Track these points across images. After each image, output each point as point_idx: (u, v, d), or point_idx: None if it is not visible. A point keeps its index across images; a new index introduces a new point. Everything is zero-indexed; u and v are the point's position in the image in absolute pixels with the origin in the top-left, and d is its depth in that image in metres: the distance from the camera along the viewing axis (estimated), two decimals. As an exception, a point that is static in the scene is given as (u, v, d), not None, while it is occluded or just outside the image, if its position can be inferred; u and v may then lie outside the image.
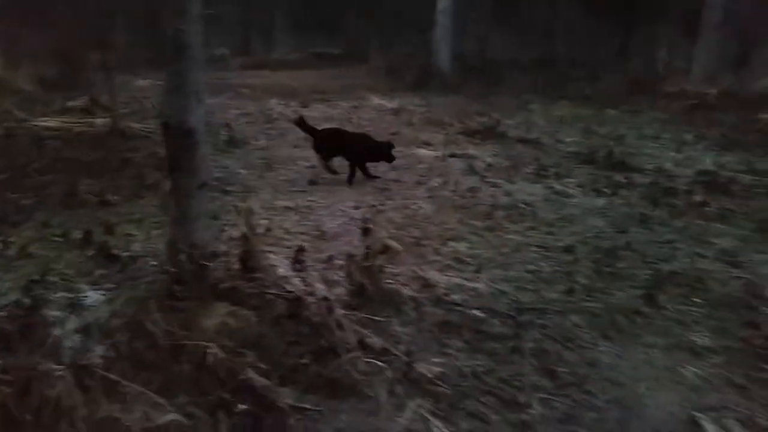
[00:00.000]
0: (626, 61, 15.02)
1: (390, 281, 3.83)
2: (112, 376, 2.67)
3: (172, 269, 2.98)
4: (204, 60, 3.07)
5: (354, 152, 6.41)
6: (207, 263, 3.15)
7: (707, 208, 5.57)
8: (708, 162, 7.30)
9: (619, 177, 6.54)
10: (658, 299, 3.77)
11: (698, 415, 2.74)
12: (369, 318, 3.41)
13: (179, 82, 2.98)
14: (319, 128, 6.78)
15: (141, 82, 12.30)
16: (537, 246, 4.66)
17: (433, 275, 4.07)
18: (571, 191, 6.10)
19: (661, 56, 13.67)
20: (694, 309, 3.70)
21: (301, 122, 6.65)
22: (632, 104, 10.96)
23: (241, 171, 6.59)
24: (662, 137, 8.73)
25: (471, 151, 7.75)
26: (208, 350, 2.77)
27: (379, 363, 2.97)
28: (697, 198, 5.84)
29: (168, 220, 3.17)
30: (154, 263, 3.96)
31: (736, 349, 3.28)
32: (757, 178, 6.68)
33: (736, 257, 4.49)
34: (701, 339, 3.36)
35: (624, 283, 4.04)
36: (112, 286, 3.75)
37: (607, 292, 3.90)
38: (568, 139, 8.48)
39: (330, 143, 6.48)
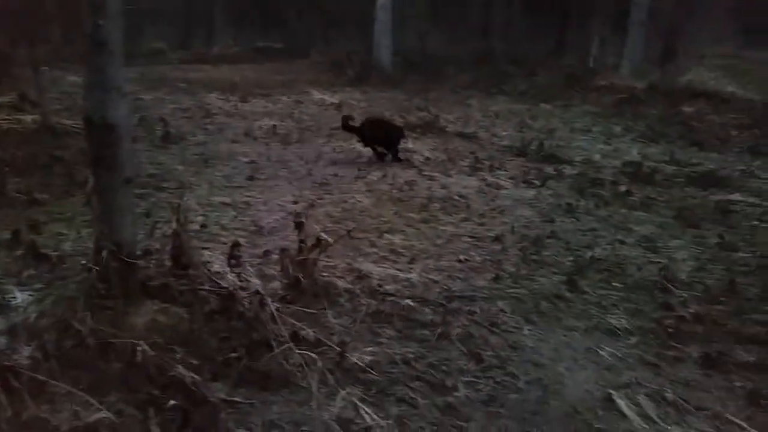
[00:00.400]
0: (560, 57, 15.51)
1: (325, 274, 3.90)
2: (40, 377, 2.65)
3: (96, 267, 2.95)
4: (123, 54, 3.04)
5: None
6: (134, 260, 3.13)
7: (631, 197, 5.88)
8: (634, 153, 7.67)
9: (549, 169, 6.81)
10: (580, 284, 3.98)
11: (613, 392, 2.92)
12: (303, 310, 3.47)
13: (99, 77, 2.95)
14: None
15: (73, 78, 11.88)
16: (469, 236, 4.83)
17: (368, 267, 4.16)
18: (503, 183, 6.32)
19: (592, 52, 14.17)
20: (612, 293, 3.93)
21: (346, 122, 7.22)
22: (565, 99, 11.36)
23: (177, 167, 6.50)
24: (592, 130, 9.11)
25: (410, 145, 7.86)
26: (137, 348, 2.77)
27: (312, 354, 3.03)
28: (622, 188, 6.15)
29: (93, 218, 3.13)
30: (84, 262, 3.90)
31: (650, 330, 3.50)
32: (677, 168, 7.09)
33: (654, 243, 4.78)
34: (618, 321, 3.57)
35: (548, 269, 4.24)
36: (41, 286, 3.68)
37: (532, 278, 4.09)
38: (503, 133, 8.74)
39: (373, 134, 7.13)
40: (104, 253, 2.91)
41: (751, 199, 5.99)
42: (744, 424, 2.72)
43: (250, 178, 6.23)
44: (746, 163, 7.42)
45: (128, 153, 3.13)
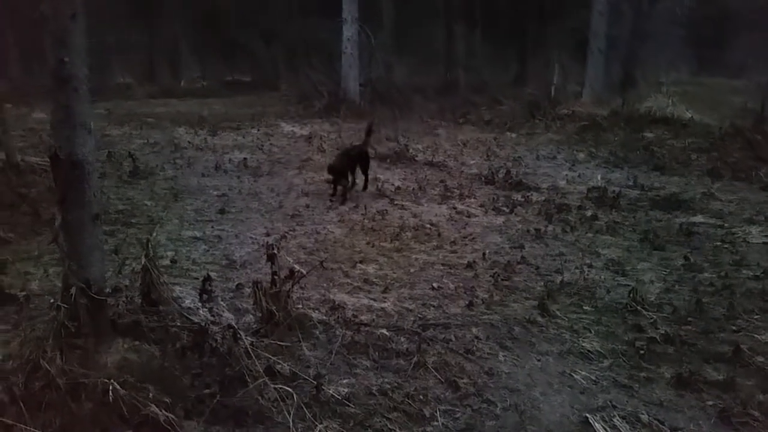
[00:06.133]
0: (522, 87, 15.89)
1: (299, 306, 3.88)
2: (7, 420, 2.57)
3: (65, 306, 2.89)
4: (89, 90, 3.04)
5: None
6: (103, 298, 3.08)
7: (596, 222, 6.01)
8: (598, 179, 7.86)
9: (517, 196, 6.93)
10: (551, 309, 4.03)
11: (588, 415, 2.95)
12: (278, 344, 3.45)
13: (65, 113, 2.93)
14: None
15: (39, 115, 11.72)
16: (441, 264, 4.86)
17: (342, 297, 4.16)
18: (473, 211, 6.40)
19: (554, 82, 14.55)
20: (583, 316, 3.99)
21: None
22: (529, 127, 11.61)
23: (146, 202, 6.42)
24: (557, 157, 9.31)
25: (380, 175, 7.93)
26: (108, 387, 2.71)
27: (288, 388, 3.00)
28: (588, 213, 6.29)
29: (61, 255, 3.08)
30: (53, 301, 3.81)
31: (622, 352, 3.56)
32: (641, 192, 7.27)
33: (621, 266, 4.87)
34: (590, 344, 3.62)
35: (520, 295, 4.30)
36: (7, 327, 3.59)
37: (504, 304, 4.14)
38: (471, 162, 8.87)
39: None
40: (73, 291, 2.85)
41: (713, 221, 6.16)
42: (716, 443, 2.77)
43: (221, 212, 6.19)
44: (707, 185, 7.64)
45: (96, 189, 3.10)
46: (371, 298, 4.17)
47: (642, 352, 3.54)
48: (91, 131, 3.12)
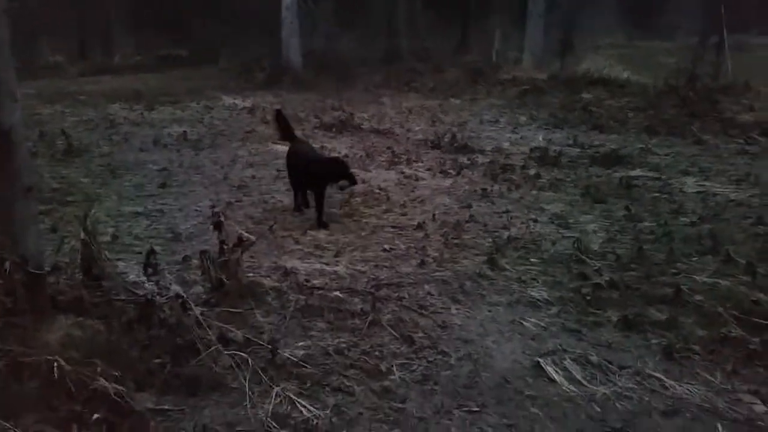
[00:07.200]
0: (465, 54, 15.95)
1: (250, 274, 3.82)
2: (-58, 407, 2.44)
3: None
4: (13, 59, 2.85)
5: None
6: (41, 272, 2.94)
7: (540, 180, 6.15)
8: (540, 139, 8.01)
9: (463, 159, 7.01)
10: (500, 262, 4.11)
11: (540, 360, 3.02)
12: (229, 311, 3.39)
13: (-14, 81, 2.76)
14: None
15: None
16: (392, 227, 4.88)
17: (294, 263, 4.12)
18: (421, 174, 6.44)
19: (494, 48, 14.65)
20: (531, 268, 4.08)
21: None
22: (472, 93, 11.71)
23: (82, 180, 6.16)
24: (500, 121, 9.45)
25: (327, 143, 7.86)
26: (53, 364, 2.61)
27: (242, 354, 2.96)
28: (531, 171, 6.43)
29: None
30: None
31: (569, 299, 3.66)
32: (581, 150, 7.46)
33: (565, 220, 5.01)
34: (538, 293, 3.71)
35: (470, 251, 4.36)
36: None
37: (455, 261, 4.19)
38: (417, 128, 8.89)
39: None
40: (7, 265, 2.71)
41: (651, 174, 6.40)
42: (662, 377, 2.89)
43: (163, 186, 6.00)
44: (644, 141, 7.90)
45: (26, 161, 2.93)
46: (323, 263, 4.15)
47: (588, 298, 3.65)
48: (17, 99, 2.94)
